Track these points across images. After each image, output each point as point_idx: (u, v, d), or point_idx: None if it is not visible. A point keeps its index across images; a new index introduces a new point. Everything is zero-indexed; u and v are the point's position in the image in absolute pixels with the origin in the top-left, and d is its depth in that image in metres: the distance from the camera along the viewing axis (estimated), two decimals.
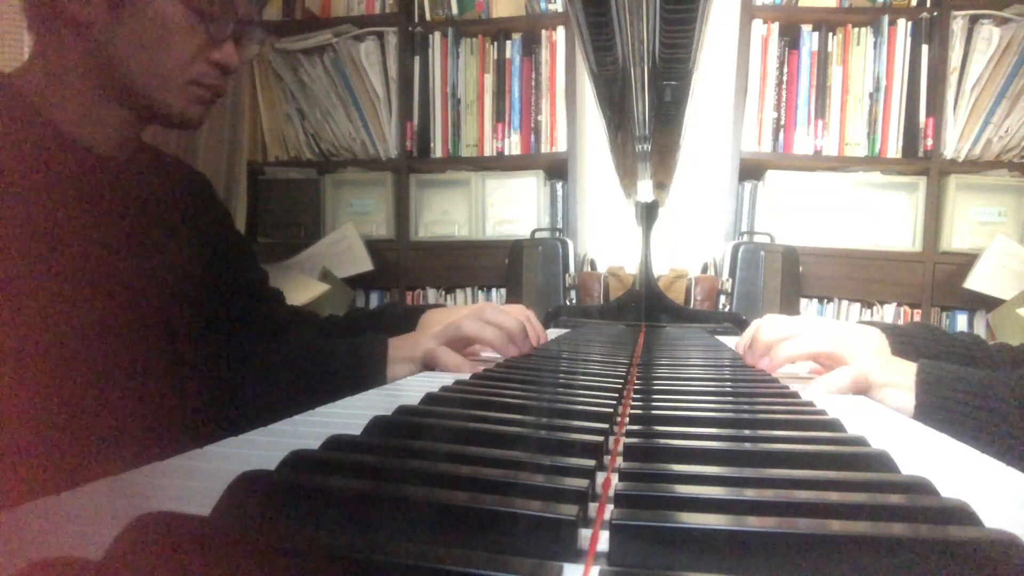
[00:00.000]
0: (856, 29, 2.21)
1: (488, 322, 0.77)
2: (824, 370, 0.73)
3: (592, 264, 2.29)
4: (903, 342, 0.78)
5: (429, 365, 0.74)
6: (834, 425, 0.43)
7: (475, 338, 0.76)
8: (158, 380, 0.70)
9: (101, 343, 0.69)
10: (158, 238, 0.80)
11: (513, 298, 2.20)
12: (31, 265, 0.65)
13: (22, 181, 0.66)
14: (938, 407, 0.58)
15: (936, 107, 2.15)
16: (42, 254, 0.66)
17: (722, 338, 1.17)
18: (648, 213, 1.35)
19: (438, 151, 2.39)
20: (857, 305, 2.24)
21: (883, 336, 0.79)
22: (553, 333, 1.18)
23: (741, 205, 2.28)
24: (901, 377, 0.62)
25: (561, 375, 0.66)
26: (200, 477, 0.31)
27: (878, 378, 0.64)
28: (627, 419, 0.43)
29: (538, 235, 2.30)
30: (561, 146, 2.30)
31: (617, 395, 0.51)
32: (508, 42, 2.34)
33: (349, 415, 0.47)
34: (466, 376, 0.63)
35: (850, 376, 0.65)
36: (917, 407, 0.59)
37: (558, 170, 2.34)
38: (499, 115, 2.35)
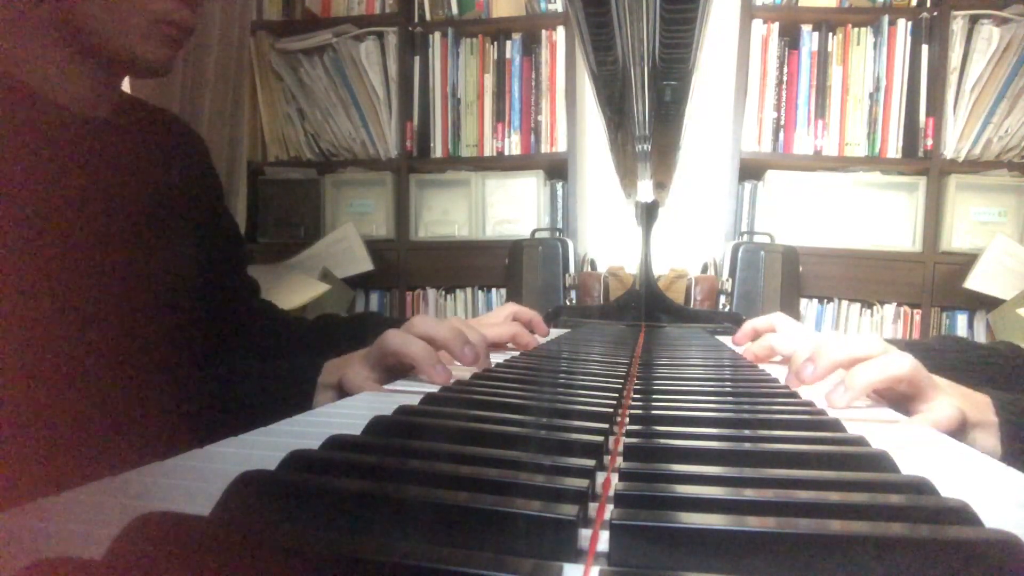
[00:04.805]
0: (856, 29, 2.21)
1: (417, 335, 0.65)
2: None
3: (592, 264, 2.29)
4: (929, 359, 0.61)
5: (345, 391, 0.63)
6: (834, 425, 0.43)
7: (400, 353, 0.64)
8: (137, 382, 0.66)
9: (91, 334, 0.66)
10: (152, 210, 0.76)
11: (513, 298, 2.20)
12: (21, 249, 0.62)
13: (3, 150, 0.63)
14: None
15: (936, 107, 2.15)
16: (31, 229, 0.62)
17: (722, 338, 1.16)
18: (648, 213, 1.35)
19: (438, 151, 2.39)
20: (857, 305, 2.23)
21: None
22: (553, 333, 1.18)
23: (741, 205, 2.28)
24: (984, 414, 0.52)
25: (561, 375, 0.66)
26: (200, 477, 0.31)
27: (971, 415, 0.52)
28: (627, 419, 0.43)
29: (538, 235, 2.30)
30: (561, 146, 2.30)
31: (617, 395, 0.51)
32: (508, 42, 2.34)
33: (349, 415, 0.47)
34: (371, 391, 0.60)
35: (955, 409, 0.52)
36: (1003, 454, 0.50)
37: (558, 170, 2.34)
38: (499, 115, 2.35)
